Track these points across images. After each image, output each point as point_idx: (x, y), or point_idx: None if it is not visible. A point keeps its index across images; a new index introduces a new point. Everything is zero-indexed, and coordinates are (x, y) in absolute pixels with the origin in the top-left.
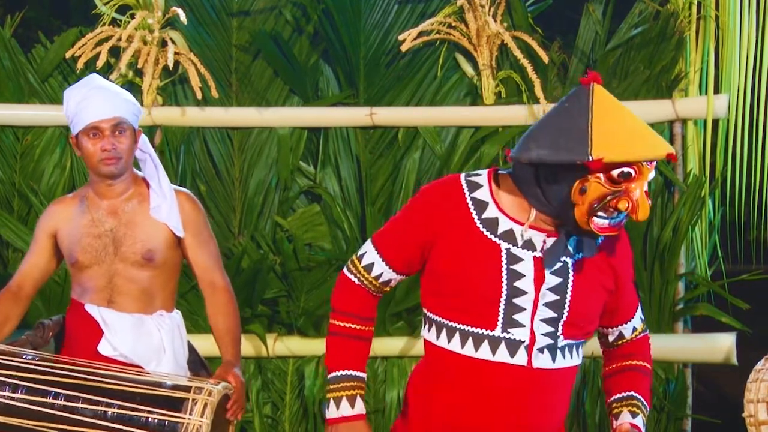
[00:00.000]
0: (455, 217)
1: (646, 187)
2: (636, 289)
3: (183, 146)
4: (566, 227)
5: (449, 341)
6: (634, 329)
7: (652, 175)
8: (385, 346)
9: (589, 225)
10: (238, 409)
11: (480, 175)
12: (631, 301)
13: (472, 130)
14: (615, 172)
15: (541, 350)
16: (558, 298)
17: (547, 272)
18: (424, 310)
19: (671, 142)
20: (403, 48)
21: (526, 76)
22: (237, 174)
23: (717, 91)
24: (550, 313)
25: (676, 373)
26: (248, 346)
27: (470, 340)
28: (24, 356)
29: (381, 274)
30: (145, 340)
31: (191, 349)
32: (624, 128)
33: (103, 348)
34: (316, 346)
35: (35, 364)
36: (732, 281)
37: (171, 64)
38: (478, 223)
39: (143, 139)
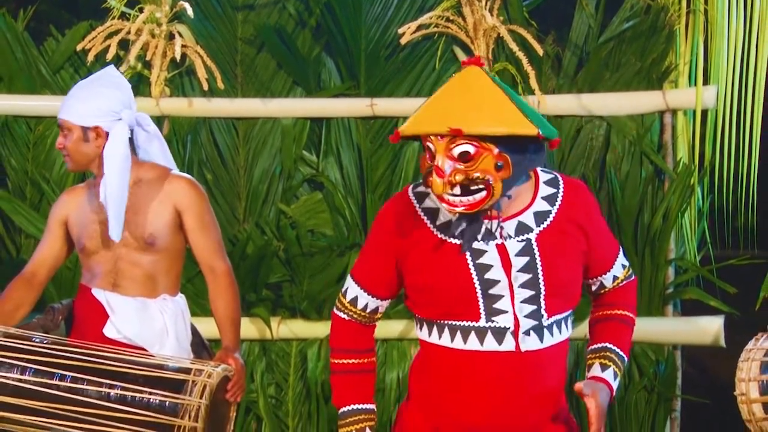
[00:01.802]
0: (412, 232)
1: (443, 163)
2: (613, 239)
3: (190, 136)
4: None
5: (440, 337)
6: (615, 278)
7: (458, 150)
8: (384, 329)
9: (441, 204)
10: (238, 391)
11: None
12: (607, 251)
13: None
14: (426, 148)
15: (527, 333)
16: (530, 276)
17: (512, 255)
18: (413, 312)
19: (661, 131)
20: (403, 41)
21: (521, 68)
22: (242, 163)
23: (706, 82)
24: (528, 293)
25: (665, 355)
26: (253, 329)
27: (458, 333)
28: (33, 339)
29: (366, 305)
30: (148, 324)
31: (194, 332)
32: (435, 104)
33: (109, 331)
34: (318, 329)
35: (42, 347)
36: (720, 266)
37: (178, 57)
38: (434, 231)
39: (143, 117)
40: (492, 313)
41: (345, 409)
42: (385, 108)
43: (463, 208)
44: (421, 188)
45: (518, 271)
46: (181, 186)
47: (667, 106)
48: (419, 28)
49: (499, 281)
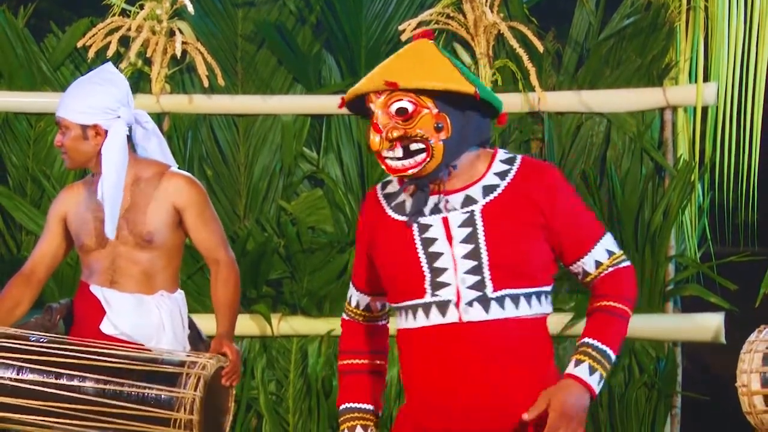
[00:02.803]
0: (374, 219)
1: (382, 119)
2: (594, 223)
3: (190, 133)
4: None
5: (401, 320)
6: (598, 263)
7: (396, 106)
8: None
9: (384, 167)
10: (234, 377)
11: None
12: (581, 233)
13: None
14: (369, 111)
15: (469, 303)
16: (472, 246)
17: (453, 227)
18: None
19: (662, 128)
20: (403, 37)
21: (521, 64)
22: (242, 160)
23: (706, 79)
24: (470, 263)
25: (666, 351)
26: (253, 326)
27: (410, 312)
28: (30, 338)
29: (358, 302)
30: (145, 319)
31: (191, 325)
32: (376, 68)
33: (106, 327)
34: (319, 326)
35: (38, 346)
36: (720, 263)
37: (179, 54)
38: (389, 212)
39: (141, 114)
40: (436, 286)
41: (340, 408)
42: None
43: (406, 170)
44: (389, 178)
45: (460, 242)
46: (179, 184)
47: (668, 102)
48: (419, 24)
49: (443, 254)
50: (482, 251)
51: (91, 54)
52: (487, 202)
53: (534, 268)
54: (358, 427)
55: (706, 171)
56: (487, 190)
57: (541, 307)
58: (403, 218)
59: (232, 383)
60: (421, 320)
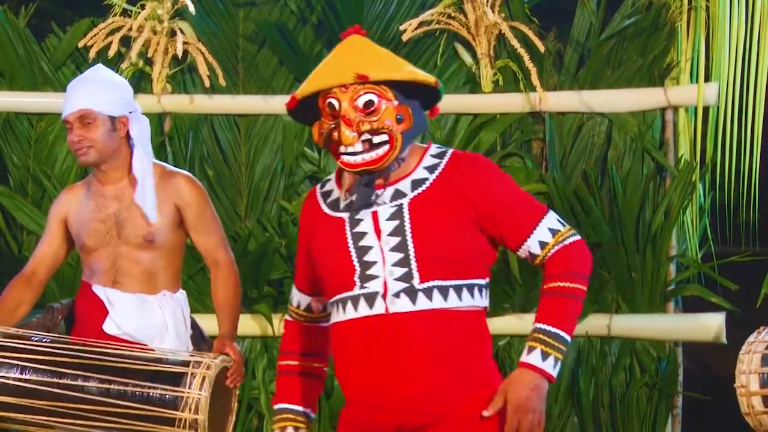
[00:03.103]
0: (312, 217)
1: (347, 113)
2: (533, 205)
3: (191, 133)
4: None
5: (333, 316)
6: (543, 244)
7: (362, 99)
8: None
9: (340, 164)
10: (238, 377)
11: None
12: (520, 218)
13: (470, 117)
14: (326, 107)
15: (396, 295)
16: (399, 239)
17: (382, 221)
18: None
19: (663, 128)
20: (404, 38)
21: (523, 64)
22: (244, 160)
23: (707, 79)
24: (398, 256)
25: (667, 351)
26: (254, 326)
27: (341, 306)
28: (32, 338)
29: (299, 303)
30: (147, 319)
31: (193, 325)
32: (327, 64)
33: (108, 327)
34: None
35: (42, 346)
36: (721, 263)
37: (180, 54)
38: (324, 209)
39: (136, 125)
40: (365, 279)
41: (275, 407)
42: None
43: (367, 165)
44: (329, 176)
45: (388, 235)
46: (180, 183)
47: (669, 102)
48: (420, 25)
49: (372, 247)
50: (409, 243)
51: (92, 54)
52: (415, 196)
53: (464, 260)
54: (289, 428)
55: (707, 171)
56: (416, 183)
57: (474, 300)
58: (337, 214)
59: (236, 383)
60: (350, 313)
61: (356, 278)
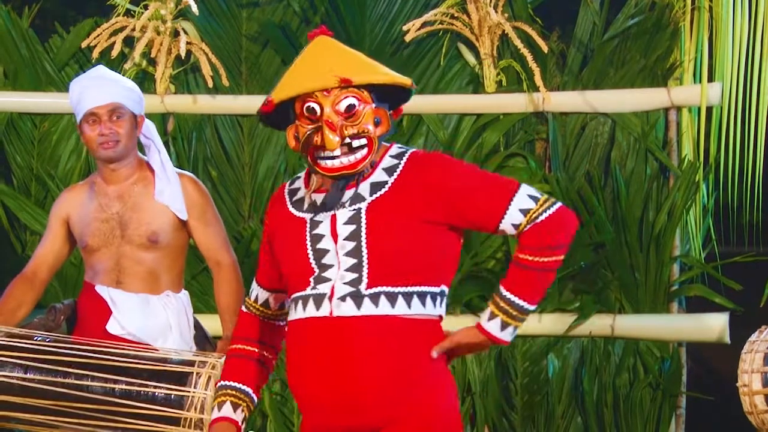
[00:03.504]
0: (277, 214)
1: (330, 117)
2: (500, 188)
3: (195, 133)
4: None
5: (289, 314)
6: (516, 225)
7: (344, 103)
8: None
9: (317, 168)
10: None
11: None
12: (488, 205)
13: (474, 117)
14: (304, 110)
15: (342, 299)
16: (354, 244)
17: (339, 224)
18: None
19: (666, 128)
20: (408, 38)
21: (526, 65)
22: (247, 160)
23: (711, 79)
24: (351, 261)
25: (670, 351)
26: None
27: (293, 304)
28: (35, 338)
29: (257, 297)
30: (151, 319)
31: (197, 326)
32: (307, 67)
33: (112, 327)
34: None
35: (46, 345)
36: (725, 263)
37: (183, 54)
38: (289, 207)
39: (148, 126)
40: (319, 281)
41: (219, 383)
42: None
43: (347, 168)
44: (300, 174)
45: (344, 239)
46: (183, 184)
47: (672, 103)
48: (424, 25)
49: (329, 250)
50: (363, 249)
51: (95, 54)
52: (373, 200)
53: (418, 267)
54: (228, 403)
55: (710, 171)
56: (375, 187)
57: (426, 308)
58: (300, 214)
59: None
60: (299, 312)
61: (312, 279)
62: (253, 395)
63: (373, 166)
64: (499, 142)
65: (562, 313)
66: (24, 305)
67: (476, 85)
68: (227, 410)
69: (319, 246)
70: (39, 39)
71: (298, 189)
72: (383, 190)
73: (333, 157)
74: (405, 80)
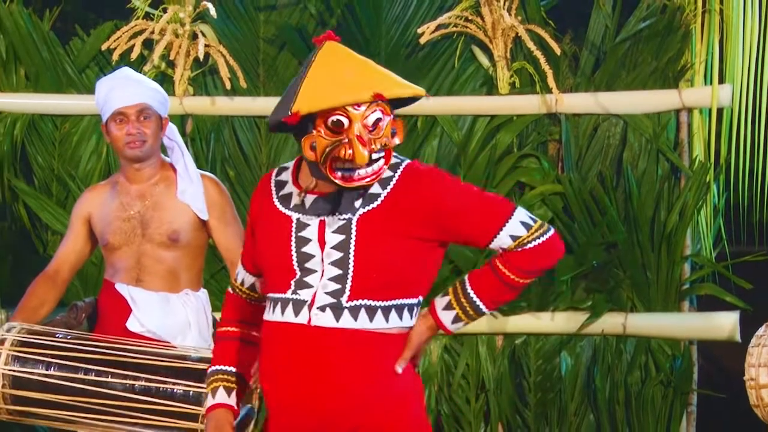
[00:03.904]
0: (263, 203)
1: (361, 132)
2: (494, 210)
3: (213, 134)
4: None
5: (266, 312)
6: (504, 248)
7: (372, 118)
8: None
9: (334, 179)
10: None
11: (293, 161)
12: (481, 228)
13: (487, 119)
14: (329, 123)
15: (321, 309)
16: (342, 255)
17: (328, 232)
18: None
19: (677, 129)
20: (422, 40)
21: (539, 67)
22: (264, 160)
23: (721, 81)
24: (336, 271)
25: (682, 350)
26: None
27: (272, 305)
28: (57, 335)
29: (244, 281)
30: (171, 317)
31: (215, 324)
32: (332, 78)
33: (132, 324)
34: None
35: (67, 343)
36: (735, 262)
37: (201, 56)
38: (275, 201)
39: (171, 128)
40: (300, 285)
41: (211, 368)
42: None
43: (365, 179)
44: (287, 164)
45: (331, 248)
46: (204, 185)
47: (683, 104)
48: (438, 27)
49: (314, 256)
50: (350, 261)
51: (115, 57)
52: (365, 212)
53: (402, 281)
54: (221, 388)
55: (721, 172)
56: (367, 199)
57: (402, 321)
58: (287, 212)
59: (258, 382)
60: (277, 315)
61: (293, 282)
62: (246, 379)
63: None
64: (512, 143)
65: (575, 311)
66: (46, 303)
67: (490, 87)
68: (222, 396)
69: (305, 249)
70: (60, 41)
71: (286, 182)
72: (376, 203)
73: (353, 169)
74: (423, 92)
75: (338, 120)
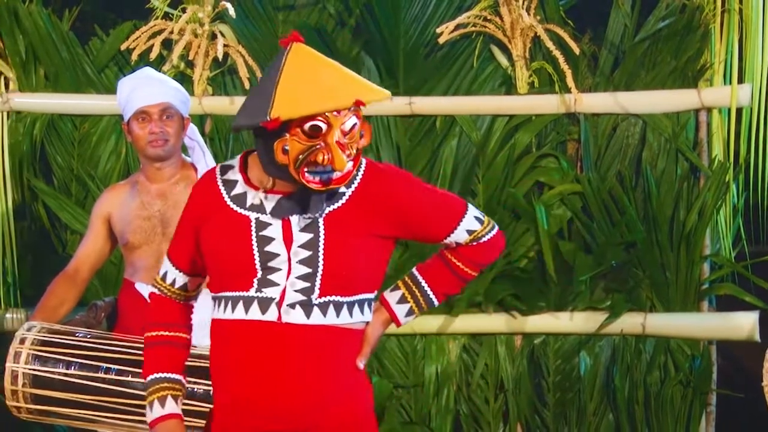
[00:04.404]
0: (209, 202)
1: (340, 138)
2: (449, 208)
3: (232, 134)
4: (299, 186)
5: (218, 310)
6: (458, 242)
7: (349, 123)
8: (423, 323)
9: (309, 183)
10: None
11: (235, 158)
12: (439, 224)
13: (506, 119)
14: (306, 128)
15: (292, 306)
16: (311, 253)
17: (295, 231)
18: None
19: (696, 129)
20: (441, 40)
21: (558, 66)
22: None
23: (740, 80)
24: (305, 269)
25: (701, 350)
26: None
27: (230, 303)
28: (77, 334)
29: (175, 280)
30: None
31: None
32: (310, 83)
33: None
34: None
35: (88, 342)
36: (755, 262)
37: (220, 56)
38: (228, 201)
39: (192, 128)
40: (264, 283)
41: (150, 377)
42: (423, 106)
43: (336, 183)
44: (228, 162)
45: (299, 246)
46: None
47: (702, 104)
48: (457, 27)
49: (279, 255)
50: (319, 259)
51: (134, 57)
52: (331, 211)
53: (365, 277)
54: (169, 397)
55: (740, 171)
56: (332, 197)
57: (363, 315)
58: (243, 212)
59: None
60: (239, 313)
61: (256, 281)
62: (185, 382)
63: None
64: (531, 143)
65: (594, 311)
66: (66, 303)
67: (509, 87)
68: (171, 406)
69: (268, 249)
70: (79, 42)
71: (236, 182)
72: (341, 202)
73: (328, 173)
74: (388, 94)
75: (317, 125)
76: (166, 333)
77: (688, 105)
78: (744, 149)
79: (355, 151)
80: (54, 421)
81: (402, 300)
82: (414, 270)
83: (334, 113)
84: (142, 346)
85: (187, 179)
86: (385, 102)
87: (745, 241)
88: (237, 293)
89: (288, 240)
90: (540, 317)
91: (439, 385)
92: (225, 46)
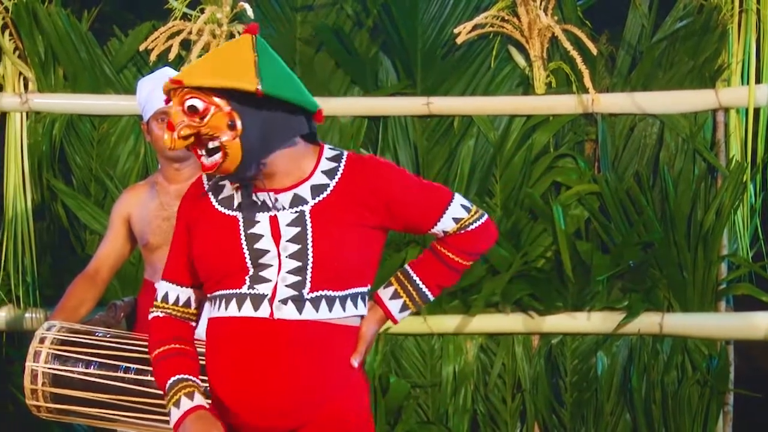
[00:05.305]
0: (199, 208)
1: (176, 117)
2: (435, 196)
3: None
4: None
5: (212, 310)
6: (446, 231)
7: (188, 104)
8: (440, 323)
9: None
10: None
11: None
12: (425, 212)
13: (523, 119)
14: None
15: (284, 302)
16: (300, 246)
17: (282, 226)
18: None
19: (714, 129)
20: (459, 40)
21: (575, 67)
22: None
23: (758, 81)
24: (295, 263)
25: (718, 349)
26: None
27: (223, 301)
28: (97, 334)
29: (178, 297)
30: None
31: None
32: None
33: None
34: None
35: (107, 341)
36: None
37: None
38: (215, 204)
39: None
40: (256, 280)
41: (170, 381)
42: (441, 106)
43: (208, 169)
44: None
45: (287, 241)
46: None
47: (720, 104)
48: (474, 27)
49: (269, 251)
50: (309, 252)
51: (153, 57)
52: (316, 203)
53: (356, 271)
54: (196, 392)
55: (758, 171)
56: (316, 189)
57: (357, 309)
58: (230, 212)
59: None
60: (232, 310)
61: (247, 278)
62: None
63: (312, 168)
64: (548, 143)
65: (611, 311)
66: (86, 303)
67: (526, 87)
68: (199, 399)
69: (258, 246)
70: (98, 42)
71: (222, 185)
72: (326, 193)
73: (204, 156)
74: (243, 85)
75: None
76: (176, 345)
77: (705, 105)
78: (761, 149)
79: (204, 133)
80: (73, 420)
81: (395, 295)
82: (406, 265)
83: (174, 93)
84: None
85: None
86: (401, 101)
87: (762, 241)
88: (229, 291)
89: (276, 235)
90: (557, 317)
91: (457, 384)
92: None
